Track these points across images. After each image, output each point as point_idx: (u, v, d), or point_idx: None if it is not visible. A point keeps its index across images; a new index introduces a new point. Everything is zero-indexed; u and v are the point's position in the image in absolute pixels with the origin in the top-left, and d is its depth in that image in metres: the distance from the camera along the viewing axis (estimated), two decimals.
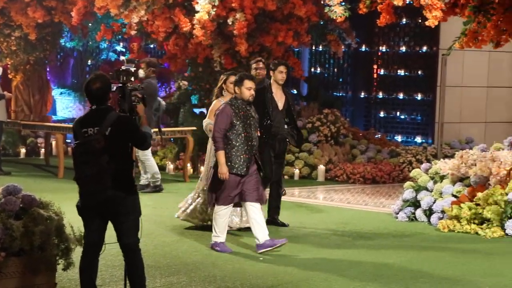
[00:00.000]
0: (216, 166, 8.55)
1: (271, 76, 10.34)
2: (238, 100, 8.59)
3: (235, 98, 8.63)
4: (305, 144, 15.92)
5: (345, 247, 9.03)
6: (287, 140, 10.36)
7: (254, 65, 10.67)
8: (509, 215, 9.91)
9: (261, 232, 8.51)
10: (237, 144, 8.49)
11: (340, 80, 19.61)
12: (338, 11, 11.65)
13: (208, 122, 9.47)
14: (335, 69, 19.60)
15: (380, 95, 18.57)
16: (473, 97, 17.63)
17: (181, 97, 16.62)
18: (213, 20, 14.53)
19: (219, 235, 8.61)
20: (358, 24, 16.55)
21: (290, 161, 15.86)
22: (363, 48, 18.73)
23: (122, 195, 5.99)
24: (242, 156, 8.48)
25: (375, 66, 18.72)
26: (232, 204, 8.65)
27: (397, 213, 11.13)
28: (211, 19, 14.43)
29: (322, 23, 16.10)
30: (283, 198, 11.86)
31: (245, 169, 8.48)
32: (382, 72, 18.64)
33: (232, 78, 9.27)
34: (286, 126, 10.32)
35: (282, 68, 10.32)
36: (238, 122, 8.48)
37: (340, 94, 19.32)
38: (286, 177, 15.93)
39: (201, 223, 9.81)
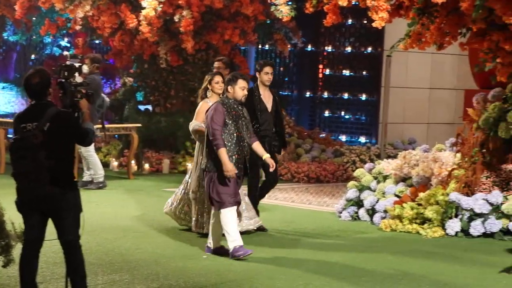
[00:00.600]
0: (208, 168, 8.23)
1: (257, 77, 10.14)
2: (229, 100, 8.32)
3: (227, 98, 8.36)
4: None
5: (288, 246, 9.06)
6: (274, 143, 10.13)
7: (216, 64, 10.63)
8: (449, 215, 10.05)
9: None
10: (229, 144, 8.17)
11: (286, 79, 19.68)
12: (284, 11, 11.73)
13: (195, 124, 9.18)
14: (281, 68, 19.66)
15: (325, 94, 18.69)
16: (416, 98, 17.85)
17: (126, 93, 16.50)
18: (160, 16, 14.46)
19: (236, 238, 8.16)
20: (304, 24, 16.62)
21: None
22: (309, 47, 18.82)
23: (61, 191, 5.92)
24: (234, 157, 8.16)
25: (320, 66, 18.83)
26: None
27: (341, 212, 11.21)
28: (157, 16, 14.37)
29: (268, 22, 16.14)
30: None
31: (237, 170, 8.21)
32: (327, 72, 18.75)
33: (217, 78, 9.15)
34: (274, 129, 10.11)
35: (267, 69, 10.09)
36: (230, 122, 8.19)
37: (286, 93, 19.39)
38: None
39: (185, 225, 9.53)
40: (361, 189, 11.31)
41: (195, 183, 9.25)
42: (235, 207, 8.21)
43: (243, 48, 18.58)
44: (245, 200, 9.61)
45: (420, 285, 7.28)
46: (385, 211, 10.57)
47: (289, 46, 16.93)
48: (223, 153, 8.07)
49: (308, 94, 19.07)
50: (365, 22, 17.02)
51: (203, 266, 7.83)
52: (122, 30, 15.38)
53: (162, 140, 16.24)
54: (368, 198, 11.01)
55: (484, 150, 10.83)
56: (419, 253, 8.87)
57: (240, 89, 8.30)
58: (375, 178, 11.42)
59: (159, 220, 10.31)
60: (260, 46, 19.17)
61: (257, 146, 8.56)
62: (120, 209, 11.19)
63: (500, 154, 10.80)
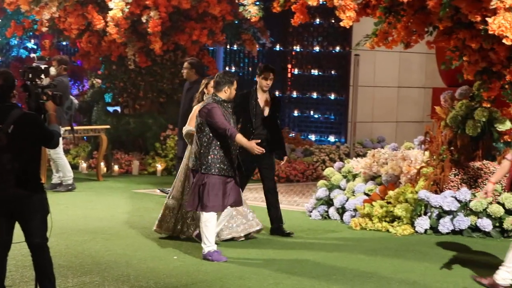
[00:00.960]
0: (203, 170, 8.13)
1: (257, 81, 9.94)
2: (220, 99, 8.25)
3: (216, 96, 8.26)
4: None
5: (259, 245, 9.06)
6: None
7: (184, 65, 10.59)
8: (419, 213, 10.12)
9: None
10: (225, 145, 8.16)
11: (255, 79, 19.65)
12: (252, 11, 11.73)
13: (188, 129, 9.08)
14: (250, 68, 19.66)
15: (294, 94, 18.72)
16: (385, 97, 17.95)
17: (95, 95, 16.41)
18: (127, 17, 14.40)
19: (212, 243, 8.16)
20: (273, 24, 16.65)
21: None
22: (278, 47, 18.84)
23: (27, 194, 5.88)
24: (230, 157, 8.18)
25: (289, 66, 18.85)
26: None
27: (311, 211, 11.24)
28: (124, 17, 14.30)
29: (236, 22, 16.14)
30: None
31: (232, 169, 8.21)
32: (296, 71, 18.78)
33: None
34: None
35: (267, 74, 9.85)
36: (226, 120, 8.18)
37: None
38: None
39: (170, 233, 9.27)
40: (331, 188, 11.35)
41: (178, 190, 9.19)
42: (215, 213, 8.18)
43: (212, 48, 18.57)
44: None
45: (390, 283, 7.32)
46: (355, 210, 10.62)
47: (257, 46, 16.94)
48: (241, 138, 8.15)
49: (276, 93, 19.05)
50: (332, 21, 17.09)
51: (174, 267, 7.82)
52: (90, 31, 15.30)
53: (131, 141, 16.19)
54: (338, 197, 11.05)
55: (452, 148, 10.91)
56: (389, 251, 8.92)
57: (234, 90, 8.35)
58: (345, 177, 11.46)
59: (129, 221, 10.27)
60: (228, 47, 19.16)
61: (240, 138, 8.28)
62: (89, 211, 11.13)
63: (468, 152, 10.89)
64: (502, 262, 8.11)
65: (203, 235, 8.21)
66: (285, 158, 10.27)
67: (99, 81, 16.68)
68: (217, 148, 8.16)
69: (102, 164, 14.81)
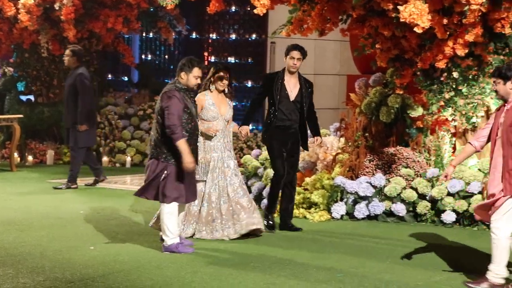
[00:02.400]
0: (164, 159, 7.80)
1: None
2: (182, 86, 7.88)
3: (179, 83, 7.86)
4: (136, 132, 15.85)
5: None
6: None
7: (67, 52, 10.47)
8: (335, 199, 10.25)
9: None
10: (187, 134, 7.80)
11: (171, 67, 19.58)
12: None
13: None
14: (166, 56, 19.57)
15: None
16: None
17: (7, 84, 16.06)
18: (39, 4, 14.15)
19: (175, 235, 7.92)
20: (189, 11, 16.59)
21: (121, 149, 15.76)
22: (194, 35, 18.78)
23: None
24: (191, 147, 7.80)
25: (205, 53, 18.83)
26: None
27: None
28: (36, 4, 14.05)
29: (152, 9, 16.02)
30: (104, 184, 11.83)
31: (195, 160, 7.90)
32: (212, 59, 18.76)
33: (223, 73, 8.71)
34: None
35: (294, 53, 9.10)
36: (187, 110, 7.84)
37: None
38: (117, 165, 15.77)
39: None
40: (248, 175, 11.38)
41: None
42: (177, 204, 7.94)
43: (127, 36, 18.39)
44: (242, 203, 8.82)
45: (307, 269, 7.39)
46: None
47: (173, 34, 16.86)
48: (183, 144, 7.67)
49: None
50: (248, 9, 17.12)
51: (90, 258, 7.72)
52: (0, 18, 14.95)
53: (45, 130, 15.93)
54: (255, 185, 11.09)
55: (367, 134, 11.09)
56: (306, 238, 9.00)
57: (193, 78, 7.91)
58: (262, 164, 11.51)
59: (44, 212, 10.11)
60: (144, 34, 19.02)
61: (182, 144, 7.73)
62: (2, 202, 10.90)
63: (382, 138, 11.09)
64: (417, 245, 8.30)
65: (165, 227, 7.93)
66: (317, 139, 9.31)
67: (11, 69, 16.33)
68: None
69: (16, 154, 14.52)
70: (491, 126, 6.90)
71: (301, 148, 9.43)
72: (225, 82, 8.83)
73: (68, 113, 12.10)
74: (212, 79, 8.85)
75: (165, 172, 7.85)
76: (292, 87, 9.15)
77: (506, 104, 6.80)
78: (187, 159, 7.69)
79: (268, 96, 9.18)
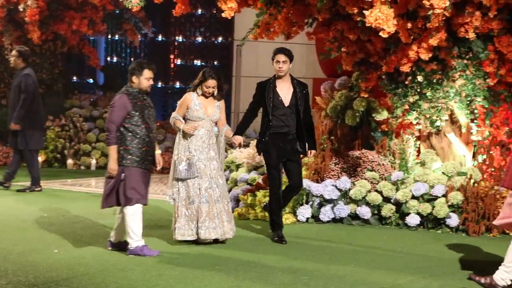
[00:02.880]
0: (125, 162, 7.83)
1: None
2: (134, 90, 7.96)
3: (131, 87, 7.95)
4: (101, 134, 15.79)
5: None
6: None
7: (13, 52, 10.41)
8: (300, 202, 10.27)
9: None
10: (138, 136, 7.85)
11: None
12: (133, 0, 11.58)
13: (172, 117, 8.73)
14: (132, 59, 19.51)
15: (177, 85, 18.66)
16: None
17: None
18: (3, 6, 14.04)
19: (139, 238, 7.92)
20: (154, 14, 16.56)
21: (86, 151, 15.69)
22: (160, 37, 18.74)
23: None
24: (144, 149, 7.87)
25: (172, 56, 18.79)
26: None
27: None
28: (0, 5, 13.92)
29: (117, 12, 15.97)
30: (68, 187, 11.72)
31: (148, 162, 7.95)
32: (179, 62, 18.73)
33: (211, 83, 8.64)
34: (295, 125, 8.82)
35: (279, 56, 8.89)
36: (137, 113, 7.87)
37: None
38: (82, 167, 15.69)
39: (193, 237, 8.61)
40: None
41: (171, 183, 8.72)
42: (140, 205, 7.96)
43: (92, 38, 18.30)
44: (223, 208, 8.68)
45: (273, 272, 7.40)
46: (238, 200, 10.67)
47: (139, 36, 16.82)
48: (113, 150, 7.80)
49: (160, 84, 18.99)
50: (214, 12, 17.13)
51: (54, 261, 7.66)
52: None
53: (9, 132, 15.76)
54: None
55: (332, 137, 11.14)
56: (272, 241, 9.00)
57: (145, 80, 7.98)
58: (228, 167, 11.51)
59: (7, 215, 10.02)
60: (109, 36, 18.94)
61: (112, 151, 7.91)
62: None
63: (347, 141, 11.15)
64: (382, 248, 8.35)
65: (129, 229, 7.93)
66: (311, 152, 8.92)
67: None
68: (129, 139, 7.87)
69: None
70: None
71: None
72: (212, 91, 8.74)
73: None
74: (199, 85, 8.84)
75: (122, 175, 7.89)
76: (285, 92, 8.87)
77: None
78: (111, 165, 7.81)
79: (261, 105, 8.95)
